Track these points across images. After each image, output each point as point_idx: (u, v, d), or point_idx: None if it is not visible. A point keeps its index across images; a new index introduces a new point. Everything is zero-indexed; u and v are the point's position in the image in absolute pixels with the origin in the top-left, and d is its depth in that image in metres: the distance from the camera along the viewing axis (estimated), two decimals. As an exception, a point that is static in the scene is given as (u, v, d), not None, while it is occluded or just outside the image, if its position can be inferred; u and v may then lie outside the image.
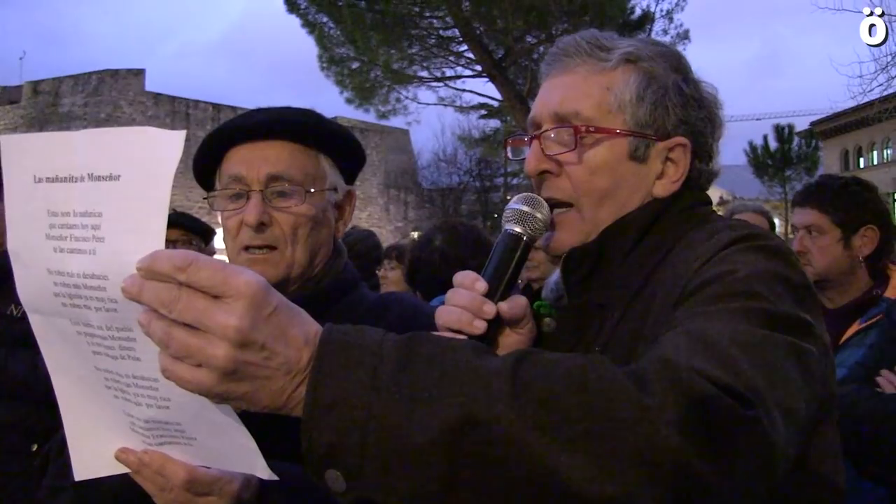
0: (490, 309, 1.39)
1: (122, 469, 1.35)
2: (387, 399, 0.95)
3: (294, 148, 1.87)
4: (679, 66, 1.56)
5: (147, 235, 0.99)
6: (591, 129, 1.49)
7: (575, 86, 1.53)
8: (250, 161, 1.83)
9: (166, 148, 1.00)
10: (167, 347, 0.96)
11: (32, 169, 1.10)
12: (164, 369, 0.98)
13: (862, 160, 46.71)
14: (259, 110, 1.93)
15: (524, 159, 1.59)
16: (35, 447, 3.03)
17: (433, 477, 0.94)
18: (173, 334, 0.95)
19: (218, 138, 1.88)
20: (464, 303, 1.39)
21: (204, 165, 1.93)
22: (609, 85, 1.51)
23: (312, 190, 1.86)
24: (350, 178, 2.04)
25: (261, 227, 1.80)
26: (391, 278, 5.69)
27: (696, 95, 1.55)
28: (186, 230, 4.50)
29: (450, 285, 1.46)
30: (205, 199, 1.93)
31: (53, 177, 1.08)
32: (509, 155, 1.72)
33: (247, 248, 1.83)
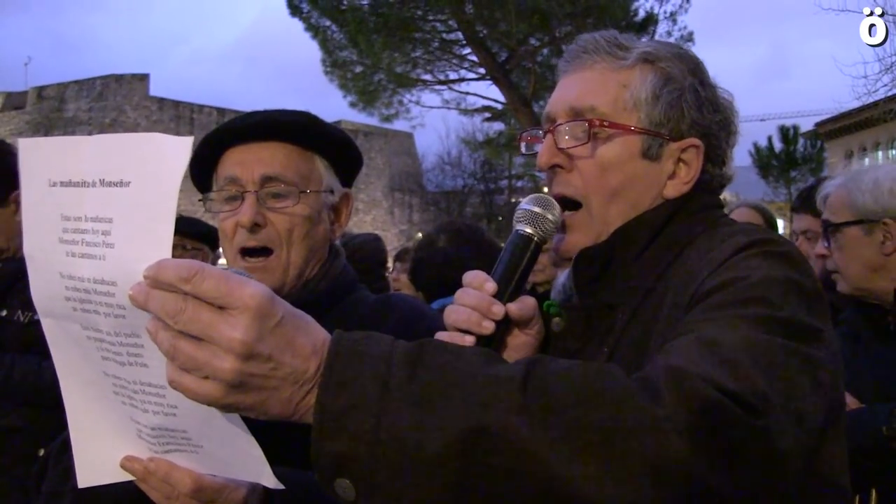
0: (499, 309, 1.40)
1: (127, 477, 1.34)
2: (397, 408, 0.95)
3: (289, 149, 1.87)
4: (696, 69, 1.56)
5: (154, 242, 0.99)
6: (606, 123, 1.49)
7: (592, 81, 1.53)
8: (245, 162, 1.84)
9: (174, 154, 1.00)
10: (174, 359, 0.96)
11: (48, 173, 1.10)
12: (170, 380, 0.98)
13: (867, 161, 46.61)
14: (254, 112, 1.93)
15: (535, 154, 1.59)
16: (42, 452, 3.04)
17: (444, 486, 0.94)
18: (179, 346, 0.95)
19: (213, 141, 1.89)
20: (473, 303, 1.40)
21: (200, 168, 1.94)
22: (626, 82, 1.51)
23: (307, 191, 1.86)
24: (347, 180, 2.04)
25: (255, 227, 1.80)
26: (403, 281, 5.71)
27: (711, 99, 1.55)
28: (182, 235, 4.45)
29: (453, 286, 1.46)
30: (199, 200, 1.93)
31: (67, 181, 1.08)
32: (522, 149, 1.72)
33: (243, 252, 1.83)
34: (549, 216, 1.48)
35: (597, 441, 0.94)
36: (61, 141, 1.12)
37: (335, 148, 1.96)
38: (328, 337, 1.02)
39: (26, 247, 1.14)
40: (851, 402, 2.49)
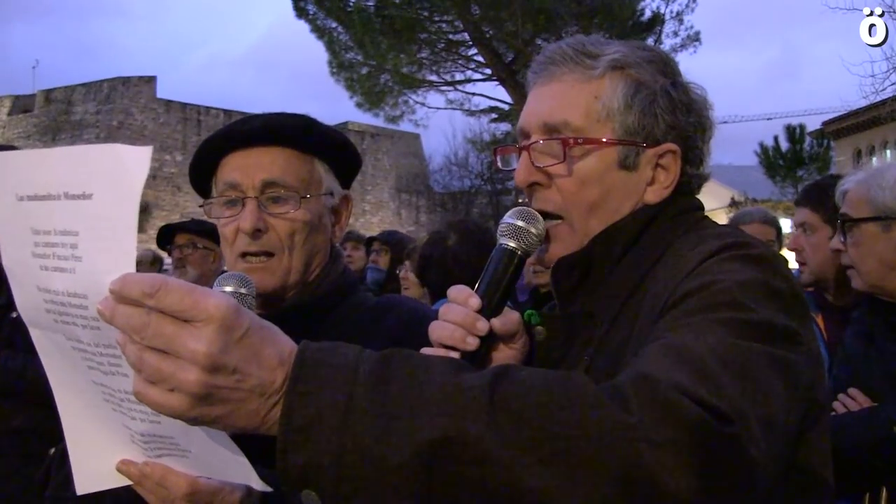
0: (483, 326, 1.40)
1: (125, 481, 1.35)
2: (362, 419, 0.95)
3: (289, 154, 1.86)
4: (667, 70, 1.55)
5: (118, 254, 0.99)
6: (580, 140, 1.48)
7: (563, 95, 1.52)
8: (245, 168, 1.83)
9: (133, 165, 0.99)
10: (140, 371, 0.96)
11: (15, 187, 1.10)
12: (136, 393, 0.98)
13: (875, 159, 46.27)
14: (254, 116, 1.93)
15: (513, 170, 1.58)
16: (52, 451, 3.06)
17: (410, 497, 0.94)
18: (145, 359, 0.95)
19: (213, 145, 1.89)
20: (457, 319, 1.40)
21: (200, 173, 1.94)
22: (597, 93, 1.50)
23: (308, 195, 1.86)
24: (346, 182, 2.04)
25: (256, 233, 1.80)
26: (412, 279, 5.64)
27: (684, 100, 1.54)
28: (192, 233, 4.49)
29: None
30: (201, 206, 1.93)
31: (34, 195, 1.08)
32: (499, 164, 1.71)
33: (244, 255, 1.83)
34: (533, 230, 1.49)
35: (564, 449, 0.94)
36: (27, 154, 1.12)
37: (334, 150, 1.97)
38: (295, 348, 1.02)
39: (5, 261, 1.14)
40: (863, 400, 2.48)
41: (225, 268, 2.05)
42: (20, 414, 3.16)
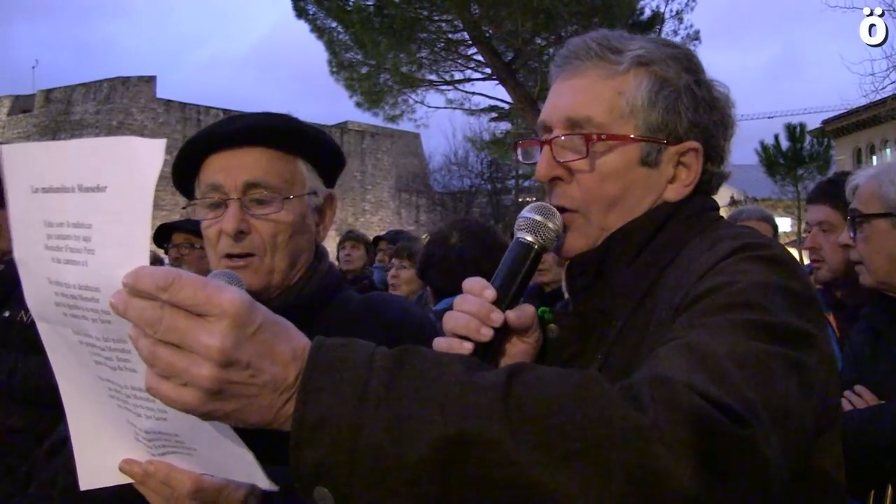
0: (498, 317, 1.39)
1: (128, 479, 1.35)
2: (376, 416, 0.94)
3: (271, 154, 1.85)
4: (690, 66, 1.54)
5: (132, 248, 0.99)
6: (604, 136, 1.47)
7: (586, 90, 1.51)
8: (227, 169, 1.82)
9: (147, 157, 0.99)
10: (153, 366, 0.96)
11: (30, 179, 1.10)
12: (149, 388, 0.97)
13: (875, 158, 46.24)
14: (236, 117, 1.92)
15: (535, 162, 1.57)
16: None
17: (423, 495, 0.93)
18: (158, 353, 0.95)
19: (195, 146, 1.87)
20: (472, 310, 1.39)
21: (182, 174, 1.93)
22: (621, 89, 1.49)
23: (291, 196, 1.85)
24: (330, 181, 2.03)
25: (239, 235, 1.79)
26: (403, 277, 5.60)
27: (707, 98, 1.53)
28: (189, 233, 4.51)
29: (462, 286, 1.45)
30: (184, 208, 1.93)
31: (48, 187, 1.08)
32: (520, 158, 1.70)
33: (228, 256, 1.82)
34: (550, 224, 1.48)
35: (579, 450, 0.93)
36: (42, 146, 1.11)
37: (317, 149, 1.95)
38: (308, 343, 1.01)
39: (16, 252, 1.14)
40: (869, 397, 2.47)
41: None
42: (14, 414, 3.17)
